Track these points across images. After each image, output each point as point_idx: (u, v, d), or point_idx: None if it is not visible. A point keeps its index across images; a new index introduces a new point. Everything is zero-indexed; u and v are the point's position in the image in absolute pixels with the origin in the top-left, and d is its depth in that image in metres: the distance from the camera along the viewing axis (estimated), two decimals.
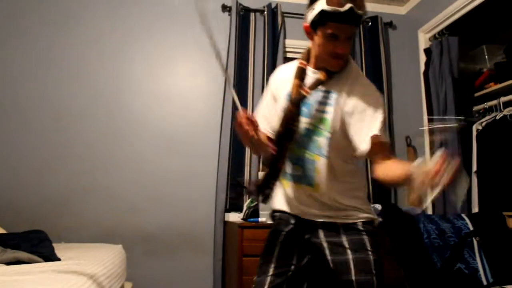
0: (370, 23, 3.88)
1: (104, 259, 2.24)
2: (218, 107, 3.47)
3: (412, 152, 3.68)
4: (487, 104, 3.38)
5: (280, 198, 1.83)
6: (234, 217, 3.15)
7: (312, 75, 1.69)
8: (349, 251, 1.64)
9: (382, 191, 3.54)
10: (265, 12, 3.64)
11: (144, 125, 3.42)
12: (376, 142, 1.54)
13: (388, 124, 3.69)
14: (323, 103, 1.65)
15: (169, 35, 3.59)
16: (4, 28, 3.36)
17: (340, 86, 1.64)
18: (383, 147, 1.57)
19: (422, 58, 3.79)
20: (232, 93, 1.72)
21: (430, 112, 3.58)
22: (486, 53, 3.60)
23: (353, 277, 1.59)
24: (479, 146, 3.21)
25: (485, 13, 3.54)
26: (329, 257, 1.67)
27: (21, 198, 3.15)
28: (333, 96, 1.64)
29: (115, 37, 3.51)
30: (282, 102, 1.71)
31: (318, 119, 1.65)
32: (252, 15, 3.66)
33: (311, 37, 1.63)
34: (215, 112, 3.48)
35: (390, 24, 4.00)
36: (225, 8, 3.66)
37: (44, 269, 1.86)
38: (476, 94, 3.51)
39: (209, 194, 3.36)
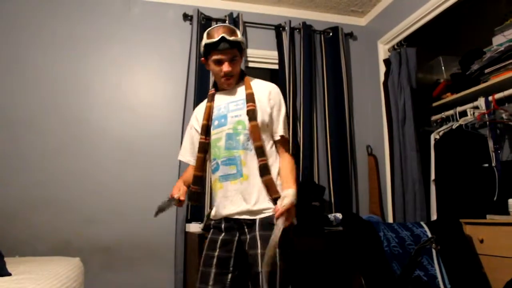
0: (331, 34, 3.93)
1: (59, 273, 2.17)
2: (179, 116, 3.43)
3: (373, 161, 3.72)
4: (444, 114, 3.46)
5: (213, 209, 2.12)
6: (195, 227, 3.10)
7: (220, 96, 2.15)
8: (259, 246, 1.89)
9: (343, 201, 3.56)
10: (227, 22, 3.63)
11: (101, 135, 3.34)
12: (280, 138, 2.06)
13: (349, 133, 3.73)
14: (234, 110, 2.06)
15: (128, 44, 3.53)
16: None
17: (242, 92, 2.07)
18: (284, 141, 2.08)
19: (382, 68, 3.85)
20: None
21: (389, 121, 3.64)
22: (442, 64, 3.69)
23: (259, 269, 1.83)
24: (437, 154, 3.28)
25: (441, 25, 3.66)
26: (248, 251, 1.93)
27: None
28: (240, 102, 2.05)
29: (72, 44, 3.42)
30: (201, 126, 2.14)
31: (235, 123, 2.02)
32: (213, 24, 3.63)
33: (208, 68, 2.10)
34: (176, 122, 3.44)
35: (350, 35, 4.07)
36: (186, 17, 3.64)
37: None
38: (434, 104, 3.58)
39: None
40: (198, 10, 3.60)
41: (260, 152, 1.96)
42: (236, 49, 2.01)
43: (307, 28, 3.83)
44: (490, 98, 3.00)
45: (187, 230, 3.19)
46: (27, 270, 2.16)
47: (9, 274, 2.05)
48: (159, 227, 3.28)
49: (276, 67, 3.78)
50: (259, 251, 1.86)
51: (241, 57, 2.09)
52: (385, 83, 3.72)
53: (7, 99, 3.23)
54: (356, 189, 3.69)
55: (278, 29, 3.81)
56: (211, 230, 2.09)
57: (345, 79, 3.84)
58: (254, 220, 1.95)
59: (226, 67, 2.01)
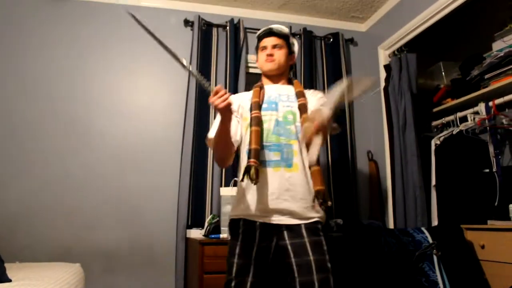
0: (331, 39, 3.94)
1: (59, 279, 2.17)
2: (180, 122, 3.44)
3: (374, 166, 3.72)
4: (444, 120, 3.47)
5: (245, 202, 2.01)
6: (196, 233, 3.10)
7: (269, 87, 2.19)
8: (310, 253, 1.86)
9: (344, 206, 3.56)
10: (228, 28, 3.64)
11: (101, 141, 3.35)
12: None
13: (349, 138, 3.73)
14: (286, 101, 2.11)
15: (129, 50, 3.54)
16: None
17: (292, 89, 2.16)
18: None
19: (382, 74, 3.86)
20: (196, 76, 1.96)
21: (390, 127, 3.65)
22: (443, 70, 3.70)
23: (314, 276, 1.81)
24: (438, 160, 3.27)
25: (442, 31, 3.66)
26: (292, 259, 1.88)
27: None
28: (292, 96, 2.13)
29: (73, 50, 3.44)
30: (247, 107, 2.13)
31: (285, 112, 2.07)
32: (214, 30, 3.66)
33: (257, 62, 2.27)
34: (176, 127, 3.44)
35: (351, 41, 4.08)
36: (187, 23, 3.65)
37: None
38: (434, 110, 3.59)
39: (170, 210, 3.30)
40: (199, 16, 3.61)
41: None
42: (283, 40, 2.17)
43: (307, 34, 3.84)
44: (491, 103, 3.00)
45: (187, 236, 3.19)
46: (27, 276, 2.16)
47: (9, 280, 2.05)
48: (159, 233, 3.28)
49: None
50: (311, 257, 1.86)
51: (289, 51, 2.20)
52: (386, 89, 3.72)
53: (7, 104, 3.24)
54: (357, 194, 3.68)
55: None
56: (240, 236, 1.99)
57: None
58: (299, 225, 1.94)
59: (268, 50, 2.15)
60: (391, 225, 3.57)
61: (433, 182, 3.26)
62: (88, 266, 2.94)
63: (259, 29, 3.68)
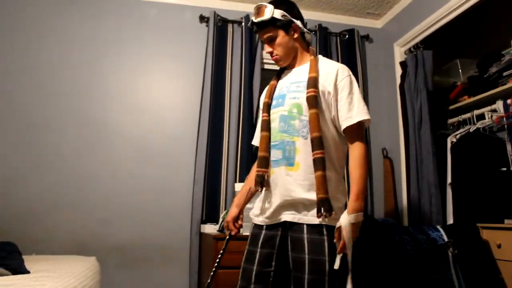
0: (346, 36, 3.92)
1: (76, 272, 2.19)
2: (195, 118, 3.45)
3: (389, 164, 3.70)
4: (461, 117, 3.43)
5: (257, 205, 2.01)
6: (210, 228, 3.11)
7: (285, 75, 2.07)
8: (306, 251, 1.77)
9: None
10: (243, 24, 3.64)
11: (117, 136, 3.37)
12: (348, 127, 1.83)
13: (365, 135, 3.70)
14: (294, 91, 1.93)
15: (145, 46, 3.56)
16: None
17: (306, 74, 1.92)
18: (353, 130, 1.84)
19: (398, 71, 3.83)
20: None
21: (405, 124, 3.63)
22: (459, 67, 3.66)
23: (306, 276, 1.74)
24: (454, 158, 3.24)
25: (458, 28, 3.62)
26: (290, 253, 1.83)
27: None
28: (302, 84, 1.91)
29: (89, 46, 3.46)
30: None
31: (291, 105, 1.90)
32: (229, 26, 3.66)
33: None
34: (192, 123, 3.46)
35: (366, 37, 4.06)
36: (202, 19, 3.66)
37: (11, 282, 1.80)
38: (451, 107, 3.56)
39: (184, 206, 3.32)
40: (214, 12, 3.61)
41: (317, 143, 1.78)
42: (271, 28, 1.94)
43: (323, 30, 3.83)
44: (509, 101, 2.96)
45: (202, 231, 3.20)
46: (44, 268, 2.19)
47: (28, 272, 2.08)
48: (174, 228, 3.30)
49: None
50: (306, 256, 1.76)
51: (286, 33, 1.95)
52: (402, 86, 3.70)
53: (24, 101, 3.27)
54: (371, 191, 3.67)
55: None
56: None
57: (361, 81, 3.83)
58: (301, 224, 1.82)
59: (265, 49, 2.02)
60: (405, 223, 3.55)
61: (449, 180, 3.23)
62: (103, 260, 2.96)
63: None
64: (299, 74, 1.97)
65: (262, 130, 1.98)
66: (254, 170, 2.06)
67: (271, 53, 2.00)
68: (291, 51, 2.00)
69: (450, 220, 3.17)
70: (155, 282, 3.23)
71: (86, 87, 3.40)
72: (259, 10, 1.93)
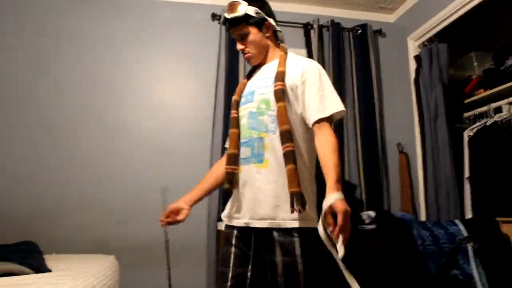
0: (359, 31, 3.90)
1: (95, 271, 2.20)
2: (209, 116, 3.45)
3: (404, 158, 3.68)
4: (477, 111, 3.40)
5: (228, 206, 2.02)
6: None
7: (256, 73, 2.03)
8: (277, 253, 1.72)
9: (375, 199, 3.53)
10: None
11: (135, 135, 3.39)
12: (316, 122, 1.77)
13: (379, 131, 3.69)
14: (262, 87, 1.89)
15: (157, 45, 3.57)
16: None
17: (273, 70, 1.88)
18: (322, 123, 1.77)
19: (412, 65, 3.81)
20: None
21: (421, 118, 3.60)
22: (474, 60, 3.64)
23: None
24: (471, 152, 3.22)
25: (473, 21, 3.59)
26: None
27: (12, 209, 3.09)
28: (270, 79, 1.87)
29: (102, 45, 3.48)
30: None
31: (259, 101, 1.87)
32: None
33: None
34: (206, 121, 3.46)
35: (379, 32, 4.02)
36: (214, 17, 3.66)
37: (32, 281, 1.82)
38: (466, 101, 3.53)
39: (201, 203, 3.31)
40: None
41: (287, 137, 1.73)
42: (244, 24, 1.91)
43: (335, 26, 3.81)
44: None
45: (219, 228, 3.20)
46: (65, 267, 2.20)
47: (49, 271, 2.10)
48: (191, 225, 3.27)
49: None
50: (278, 258, 1.71)
51: (259, 31, 1.93)
52: (416, 80, 3.68)
53: (43, 101, 3.30)
54: (388, 187, 3.65)
55: (307, 27, 3.80)
56: None
57: (375, 76, 3.80)
58: (270, 229, 1.75)
59: (237, 46, 1.98)
60: (423, 218, 3.53)
61: (467, 174, 3.20)
62: (122, 258, 2.97)
63: (286, 22, 3.76)
64: (268, 70, 1.94)
65: (231, 127, 1.96)
66: (215, 168, 2.12)
67: (243, 51, 1.97)
68: (263, 49, 1.98)
69: (468, 215, 3.14)
70: (174, 280, 3.22)
71: (101, 86, 3.42)
72: (232, 7, 1.90)
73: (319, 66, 1.89)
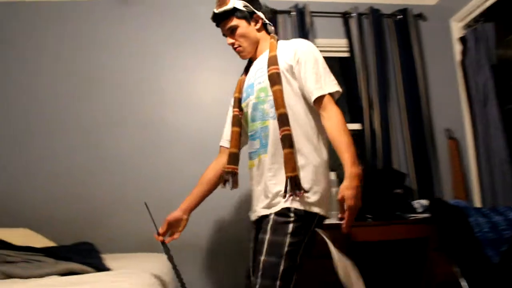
0: (400, 16, 3.79)
1: (152, 268, 2.25)
2: None
3: (455, 145, 3.56)
4: None
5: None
6: None
7: (252, 67, 2.02)
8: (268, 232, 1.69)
9: (425, 187, 3.43)
10: (293, 13, 3.60)
11: (176, 135, 3.43)
12: (317, 99, 1.74)
13: (427, 117, 3.59)
14: (259, 77, 1.89)
15: (196, 44, 3.60)
16: (30, 40, 3.48)
17: (266, 58, 1.88)
18: (323, 101, 1.74)
19: (456, 47, 3.69)
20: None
21: (469, 102, 3.48)
22: None
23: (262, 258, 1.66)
24: None
25: None
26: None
27: (67, 210, 3.21)
28: (264, 67, 1.86)
29: (145, 47, 3.55)
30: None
31: (258, 91, 1.86)
32: (279, 16, 3.62)
33: None
34: None
35: (420, 16, 3.90)
36: None
37: (95, 279, 1.86)
38: None
39: (245, 199, 3.33)
40: (263, 4, 3.58)
41: (283, 120, 1.72)
42: (233, 18, 1.93)
43: (375, 13, 3.73)
44: None
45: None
46: (121, 265, 2.25)
47: (109, 269, 2.14)
48: (238, 222, 3.31)
49: (345, 55, 3.71)
50: (262, 257, 1.67)
51: (248, 24, 1.95)
52: (463, 62, 3.56)
53: (86, 105, 3.40)
54: (438, 174, 3.54)
55: (345, 16, 3.73)
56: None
57: (418, 61, 3.69)
58: (268, 215, 1.75)
59: (228, 41, 1.99)
60: (477, 204, 3.41)
61: None
62: (175, 256, 3.00)
63: (325, 12, 3.70)
64: (262, 60, 1.93)
65: (232, 125, 1.99)
66: (209, 170, 2.16)
67: (233, 45, 1.98)
68: (253, 42, 1.98)
69: None
70: (226, 277, 3.25)
71: (143, 88, 3.49)
72: (220, 2, 1.93)
73: (310, 44, 1.87)
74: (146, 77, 3.50)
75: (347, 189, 1.56)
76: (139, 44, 3.55)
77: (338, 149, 1.64)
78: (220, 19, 1.95)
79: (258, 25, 1.98)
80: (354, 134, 3.68)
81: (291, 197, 1.67)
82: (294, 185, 1.65)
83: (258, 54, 2.00)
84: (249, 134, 1.94)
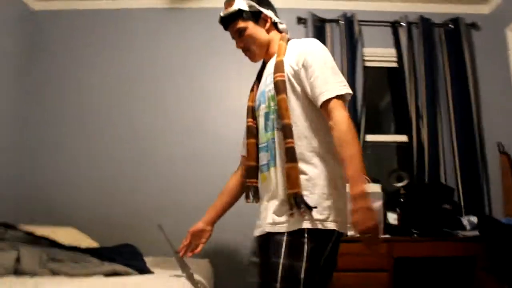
0: (451, 26, 3.69)
1: (195, 274, 2.27)
2: None
3: (507, 159, 3.43)
4: None
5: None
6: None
7: (265, 72, 1.91)
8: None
9: (474, 202, 3.31)
10: (341, 22, 3.58)
11: (222, 142, 3.47)
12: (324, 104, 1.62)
13: (477, 130, 3.48)
14: (268, 84, 1.78)
15: (237, 52, 3.62)
16: (76, 50, 3.64)
17: (274, 62, 1.78)
18: (330, 106, 1.61)
19: None
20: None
21: None
22: None
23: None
24: None
25: None
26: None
27: (112, 213, 3.34)
28: (272, 74, 1.74)
29: (188, 54, 3.65)
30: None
31: (268, 99, 1.76)
32: (328, 26, 3.61)
33: None
34: None
35: (473, 25, 3.79)
36: (300, 20, 3.65)
37: (139, 281, 1.92)
38: None
39: None
40: (311, 13, 3.58)
41: (287, 132, 1.62)
42: (239, 20, 1.84)
43: (425, 22, 3.65)
44: None
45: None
46: (162, 269, 2.33)
47: (152, 272, 2.19)
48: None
49: (394, 65, 3.64)
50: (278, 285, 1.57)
51: (256, 24, 1.85)
52: None
53: (135, 113, 3.53)
54: (488, 190, 3.42)
55: (395, 25, 3.67)
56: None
57: (470, 73, 3.58)
58: (277, 234, 1.64)
59: (236, 45, 1.94)
60: None
61: None
62: (215, 262, 3.06)
63: (374, 21, 3.65)
64: (271, 64, 1.82)
65: (247, 137, 1.89)
66: (231, 182, 2.13)
67: (242, 48, 1.92)
68: (262, 44, 1.88)
69: None
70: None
71: (189, 94, 3.59)
72: (226, 5, 1.87)
73: (318, 44, 1.76)
74: (188, 83, 3.61)
75: (352, 213, 1.46)
76: (183, 51, 3.65)
77: (342, 164, 1.58)
78: (227, 22, 1.89)
79: (268, 25, 1.88)
80: (401, 146, 3.61)
81: (298, 215, 1.57)
82: (296, 202, 1.55)
83: (270, 56, 1.88)
84: (260, 146, 1.83)
